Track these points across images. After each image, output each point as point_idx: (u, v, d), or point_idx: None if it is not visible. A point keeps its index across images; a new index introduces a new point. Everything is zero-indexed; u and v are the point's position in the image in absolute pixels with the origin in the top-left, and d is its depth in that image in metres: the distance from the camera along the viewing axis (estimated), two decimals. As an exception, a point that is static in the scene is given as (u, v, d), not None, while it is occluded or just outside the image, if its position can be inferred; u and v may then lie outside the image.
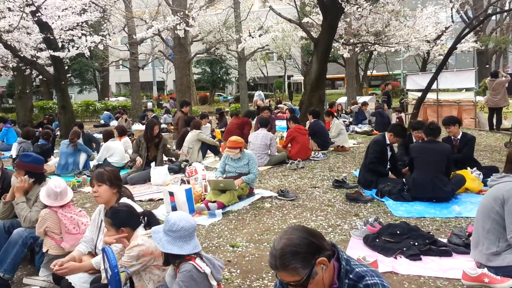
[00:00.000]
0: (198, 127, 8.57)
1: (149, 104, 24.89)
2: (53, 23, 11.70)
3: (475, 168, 5.94)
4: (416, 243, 3.72)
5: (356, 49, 15.54)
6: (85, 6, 12.44)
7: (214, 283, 2.47)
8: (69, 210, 3.52)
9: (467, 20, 19.16)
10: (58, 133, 13.59)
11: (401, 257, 3.61)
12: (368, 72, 31.73)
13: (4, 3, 10.99)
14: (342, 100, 19.02)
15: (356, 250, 3.73)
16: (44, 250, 3.42)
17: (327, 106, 14.38)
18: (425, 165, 5.22)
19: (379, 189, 5.57)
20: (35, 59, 12.89)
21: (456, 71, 14.11)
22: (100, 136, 10.60)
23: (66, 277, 2.95)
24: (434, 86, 11.59)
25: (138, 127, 13.66)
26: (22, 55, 12.28)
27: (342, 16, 11.15)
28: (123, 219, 2.85)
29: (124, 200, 3.20)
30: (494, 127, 11.74)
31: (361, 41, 13.78)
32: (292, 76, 40.33)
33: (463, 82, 13.54)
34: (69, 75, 31.96)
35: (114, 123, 16.75)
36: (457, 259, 3.55)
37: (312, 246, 1.73)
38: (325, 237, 1.84)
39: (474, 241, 3.35)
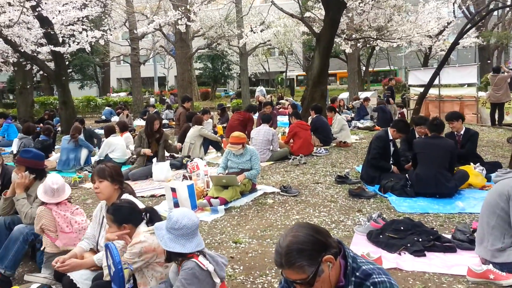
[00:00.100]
0: (199, 123, 8.54)
1: (152, 100, 24.84)
2: (53, 18, 11.64)
3: (478, 164, 5.91)
4: (420, 239, 3.69)
5: (358, 44, 15.47)
6: (86, 1, 12.37)
7: (217, 280, 2.44)
8: (65, 208, 3.46)
9: (469, 15, 19.02)
10: (59, 128, 13.57)
11: (405, 253, 3.59)
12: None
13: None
14: (344, 95, 18.96)
15: (360, 246, 3.70)
16: (42, 247, 3.40)
17: (329, 102, 14.32)
18: (428, 160, 5.19)
19: (382, 184, 5.54)
20: (35, 54, 12.83)
21: (458, 66, 14.05)
22: (101, 131, 10.58)
23: (68, 274, 2.93)
24: (436, 82, 11.53)
25: (140, 122, 13.62)
26: (22, 50, 12.23)
27: (344, 11, 11.06)
28: (125, 216, 2.82)
29: (126, 196, 3.17)
30: (496, 123, 11.69)
31: (363, 36, 13.72)
32: (293, 71, 40.20)
33: (465, 78, 13.48)
34: (70, 70, 31.90)
35: (115, 118, 16.72)
36: (461, 255, 3.52)
37: (318, 244, 1.70)
38: (328, 234, 1.81)
39: (479, 237, 3.32)
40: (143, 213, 2.92)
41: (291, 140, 8.40)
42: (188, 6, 11.80)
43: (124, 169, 7.13)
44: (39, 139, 8.99)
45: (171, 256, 2.45)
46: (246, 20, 21.81)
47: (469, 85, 14.48)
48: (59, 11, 11.65)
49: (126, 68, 28.82)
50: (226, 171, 5.86)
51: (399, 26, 13.54)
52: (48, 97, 23.38)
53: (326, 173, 6.78)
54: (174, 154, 8.31)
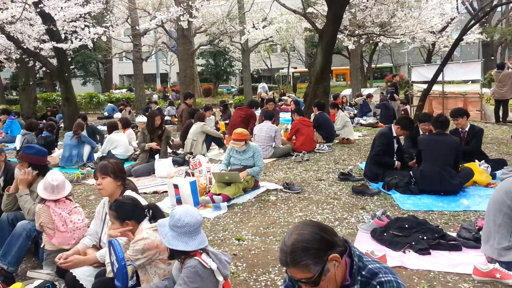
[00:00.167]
0: (202, 119, 8.51)
1: (155, 96, 24.80)
2: (56, 14, 11.61)
3: (483, 161, 5.87)
4: (425, 237, 3.66)
5: (361, 40, 15.38)
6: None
7: (220, 278, 2.41)
8: (63, 205, 3.42)
9: (472, 11, 18.91)
10: (62, 125, 13.58)
11: (409, 251, 3.56)
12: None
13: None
14: (347, 92, 18.89)
15: (364, 244, 3.68)
16: (42, 245, 3.38)
17: (331, 98, 14.27)
18: (433, 157, 5.15)
19: (386, 182, 5.51)
20: (38, 50, 12.83)
21: (462, 62, 13.93)
22: (103, 128, 10.56)
23: (71, 271, 2.91)
24: (439, 78, 11.46)
25: (142, 119, 13.60)
26: (25, 47, 12.22)
27: (347, 7, 11.00)
28: (128, 212, 2.81)
29: (128, 192, 3.15)
30: (501, 119, 11.62)
31: (366, 32, 13.64)
32: (296, 67, 40.09)
33: (469, 74, 13.36)
34: (73, 67, 31.92)
35: (117, 115, 16.71)
36: (467, 254, 3.49)
37: (324, 242, 1.66)
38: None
39: (485, 235, 3.28)
40: (146, 210, 2.90)
41: (294, 137, 8.37)
42: (190, 2, 11.75)
43: (126, 165, 7.12)
44: (42, 135, 8.99)
45: (174, 254, 2.43)
46: (248, 16, 21.72)
47: (473, 81, 14.39)
48: (62, 8, 11.62)
49: (128, 65, 28.82)
50: (229, 168, 5.84)
51: (402, 22, 13.46)
52: (51, 93, 23.41)
53: (329, 170, 6.75)
54: (176, 150, 8.29)
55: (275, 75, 39.27)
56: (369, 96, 14.14)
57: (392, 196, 5.21)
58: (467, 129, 6.32)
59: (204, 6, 13.58)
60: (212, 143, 8.68)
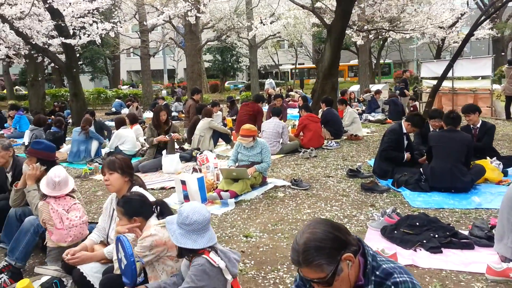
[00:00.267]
0: (209, 115, 8.48)
1: (163, 92, 24.80)
2: (64, 10, 11.65)
3: (494, 158, 5.76)
4: (436, 235, 3.59)
5: (370, 36, 15.24)
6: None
7: (229, 277, 2.37)
8: (63, 202, 3.38)
9: (483, 6, 18.66)
10: (70, 120, 13.63)
11: (421, 249, 3.49)
12: (352, 62, 31.12)
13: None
14: (355, 88, 18.76)
15: (374, 242, 3.61)
16: (44, 242, 3.37)
17: (339, 94, 14.16)
18: (444, 154, 5.06)
19: (396, 179, 5.44)
20: (46, 46, 12.88)
21: (472, 58, 13.75)
22: (111, 123, 10.57)
23: (78, 267, 2.89)
24: (449, 74, 11.32)
25: (149, 115, 13.62)
26: (33, 43, 12.26)
27: (356, 2, 10.88)
28: (136, 209, 2.77)
29: (136, 188, 3.12)
30: (511, 116, 11.46)
31: (375, 27, 13.50)
32: (300, 64, 39.90)
33: (479, 70, 13.19)
34: (81, 62, 32.04)
35: (125, 111, 16.75)
36: (479, 252, 3.42)
37: (337, 241, 1.62)
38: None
39: (499, 234, 3.21)
40: (154, 206, 2.87)
41: (301, 133, 8.31)
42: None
43: (134, 161, 7.11)
44: (51, 130, 9.02)
45: (182, 252, 2.39)
46: (256, 12, 21.65)
47: (483, 77, 14.19)
48: (70, 3, 11.67)
49: (136, 61, 28.81)
50: (237, 164, 5.80)
51: (412, 17, 13.32)
52: (59, 89, 23.51)
53: (337, 166, 6.69)
54: (183, 146, 8.26)
55: (273, 72, 39.23)
56: (378, 92, 14.01)
57: (402, 193, 5.14)
58: (478, 125, 6.21)
59: (211, 1, 13.56)
60: (220, 139, 8.65)
